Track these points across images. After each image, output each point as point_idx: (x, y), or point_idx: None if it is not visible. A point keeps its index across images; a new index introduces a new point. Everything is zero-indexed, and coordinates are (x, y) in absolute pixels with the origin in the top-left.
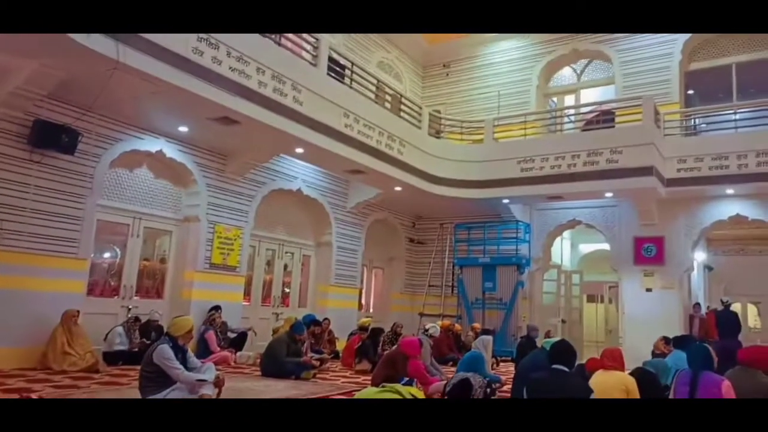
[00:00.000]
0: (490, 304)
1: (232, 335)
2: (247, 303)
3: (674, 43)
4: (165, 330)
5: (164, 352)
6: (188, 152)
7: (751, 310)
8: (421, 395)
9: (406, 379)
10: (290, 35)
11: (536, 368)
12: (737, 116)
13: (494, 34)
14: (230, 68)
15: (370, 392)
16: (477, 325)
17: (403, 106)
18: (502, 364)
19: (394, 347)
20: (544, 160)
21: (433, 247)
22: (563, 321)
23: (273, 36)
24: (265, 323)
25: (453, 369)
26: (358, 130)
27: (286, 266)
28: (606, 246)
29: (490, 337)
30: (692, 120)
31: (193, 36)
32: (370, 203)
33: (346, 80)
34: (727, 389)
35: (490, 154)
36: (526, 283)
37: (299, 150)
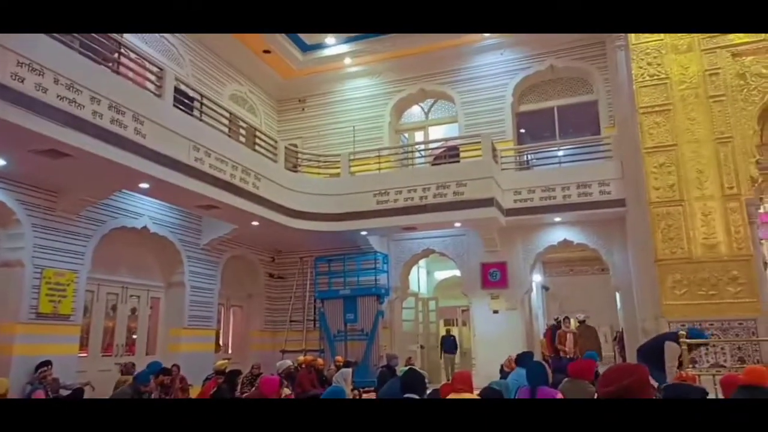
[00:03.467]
0: (352, 335)
1: (65, 392)
2: (85, 354)
3: (506, 86)
4: None
5: None
6: (8, 189)
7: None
8: None
9: None
10: (130, 63)
11: (392, 397)
12: (561, 152)
13: (348, 71)
14: (58, 96)
15: None
16: (340, 358)
17: (258, 140)
18: (365, 394)
19: (253, 389)
20: (398, 192)
21: (294, 282)
22: (422, 347)
23: (110, 64)
24: (107, 376)
25: None
26: (209, 164)
27: (134, 310)
28: (458, 272)
29: (349, 370)
30: (525, 156)
31: (12, 59)
32: (226, 239)
33: (196, 112)
34: None
35: (346, 188)
36: (386, 312)
37: (144, 185)
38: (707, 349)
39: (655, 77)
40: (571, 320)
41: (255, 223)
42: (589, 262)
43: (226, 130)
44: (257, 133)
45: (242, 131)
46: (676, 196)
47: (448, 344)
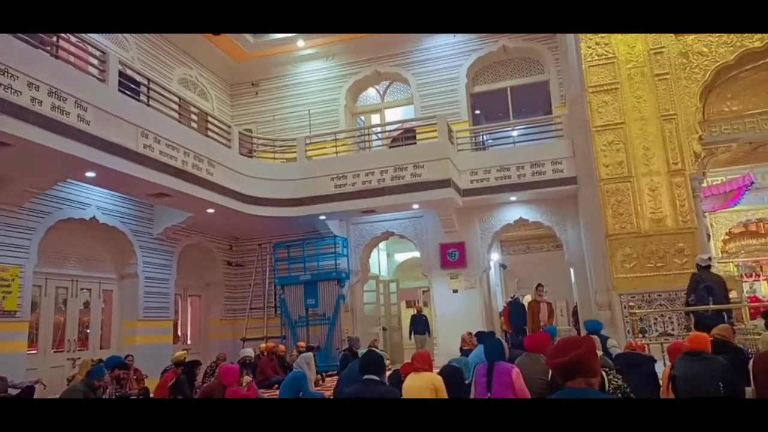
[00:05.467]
0: (314, 320)
1: (14, 392)
2: (34, 351)
3: (460, 68)
4: None
5: None
6: None
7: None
8: None
9: None
10: (70, 47)
11: (352, 380)
12: (515, 133)
13: (301, 53)
14: None
15: None
16: (302, 343)
17: (210, 125)
18: (328, 378)
19: (213, 378)
20: (355, 176)
21: (253, 269)
22: (384, 329)
23: (48, 48)
24: (59, 372)
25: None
26: (159, 151)
27: (86, 304)
28: (417, 254)
29: (310, 354)
30: (480, 136)
31: None
32: (181, 228)
33: (143, 97)
34: (516, 375)
35: (304, 172)
36: (347, 295)
37: (90, 174)
38: (656, 318)
39: (603, 57)
40: (529, 296)
41: (210, 210)
42: (544, 239)
43: (176, 115)
44: (209, 118)
45: (193, 116)
46: (625, 173)
47: (420, 324)
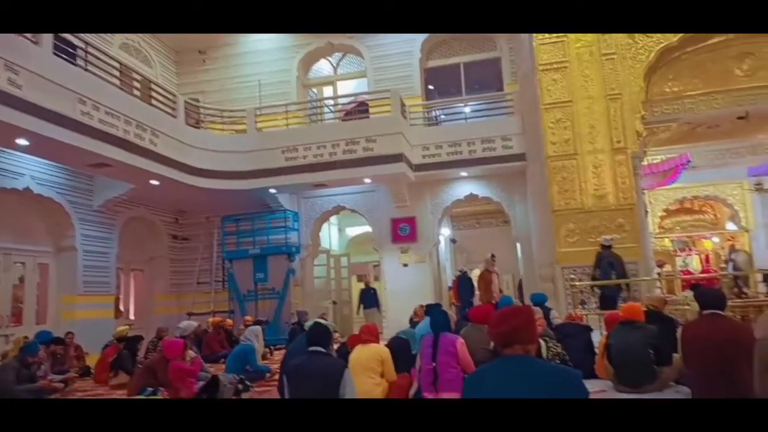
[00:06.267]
0: (263, 294)
1: None
2: None
3: (414, 42)
4: None
5: None
6: None
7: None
8: None
9: (150, 389)
10: None
11: (299, 352)
12: (467, 109)
13: None
14: None
15: None
16: (249, 317)
17: (154, 93)
18: (276, 352)
19: (156, 352)
20: (306, 149)
21: (200, 243)
22: (334, 302)
23: None
24: None
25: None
26: (98, 119)
27: (21, 278)
28: (369, 228)
29: (259, 327)
30: (433, 112)
31: None
32: (123, 200)
33: (80, 62)
34: (460, 345)
35: (253, 144)
36: (298, 270)
37: (23, 142)
38: (594, 291)
39: (554, 35)
40: (477, 270)
41: (154, 182)
42: (493, 215)
43: (117, 82)
44: (153, 86)
45: (136, 84)
46: (571, 150)
47: (368, 298)
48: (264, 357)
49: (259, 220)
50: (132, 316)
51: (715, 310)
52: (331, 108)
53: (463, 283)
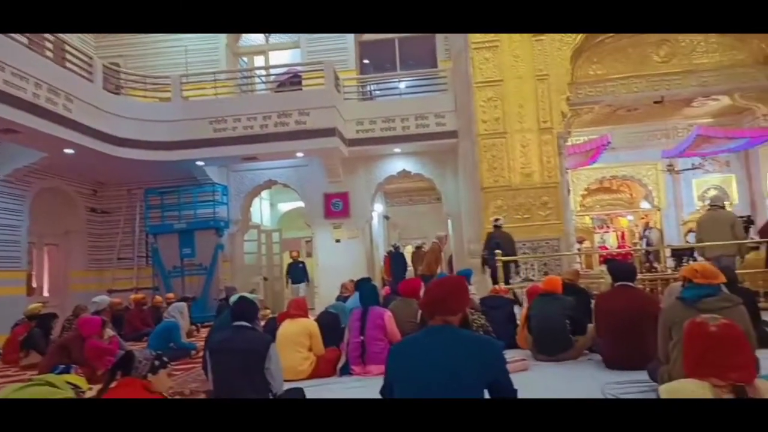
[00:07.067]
0: (189, 270)
1: None
2: None
3: None
4: None
5: None
6: None
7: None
8: (83, 383)
9: (62, 366)
10: None
11: (223, 328)
12: (402, 84)
13: None
14: None
15: (9, 390)
16: (170, 295)
17: (68, 55)
18: (204, 330)
19: (71, 330)
20: (236, 120)
21: (121, 216)
22: (265, 279)
23: None
24: None
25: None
26: (3, 80)
27: None
28: (301, 203)
29: (184, 304)
30: (367, 86)
31: None
32: (34, 169)
33: None
34: (388, 318)
35: (179, 114)
36: (227, 245)
37: None
38: (519, 265)
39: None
40: (410, 246)
41: (69, 150)
42: (426, 191)
43: (24, 41)
44: (67, 47)
45: (48, 44)
46: (501, 129)
47: (297, 273)
48: (190, 334)
49: (185, 193)
50: (46, 293)
51: (626, 282)
52: (263, 79)
53: (395, 259)
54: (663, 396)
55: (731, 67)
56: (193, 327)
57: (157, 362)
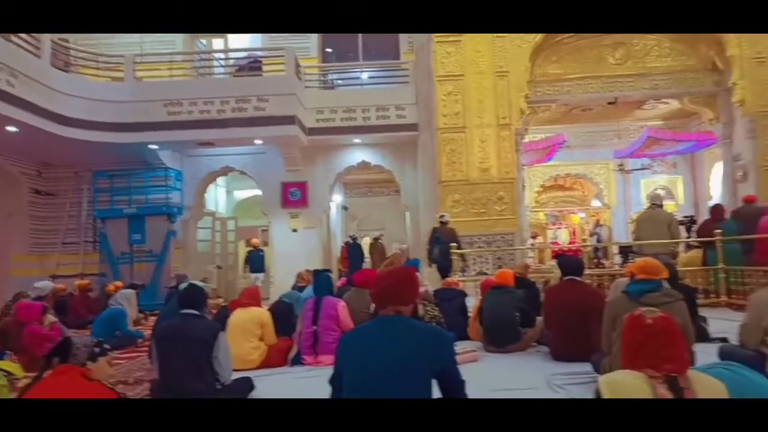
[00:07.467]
0: (139, 257)
1: None
2: None
3: None
4: None
5: None
6: None
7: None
8: (17, 370)
9: None
10: None
11: (171, 315)
12: (364, 75)
13: None
14: None
15: None
16: (112, 285)
17: None
18: (152, 318)
19: (9, 316)
20: (192, 104)
21: (67, 199)
22: (219, 267)
23: None
24: None
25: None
26: None
27: None
28: (259, 191)
29: (131, 291)
30: (329, 75)
31: None
32: None
33: None
34: (341, 308)
35: (132, 95)
36: (179, 232)
37: None
38: (475, 259)
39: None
40: (367, 238)
41: (12, 128)
42: (385, 183)
43: None
44: None
45: None
46: (460, 123)
47: (256, 261)
48: (138, 323)
49: (136, 177)
50: None
51: (574, 277)
52: (221, 62)
53: (352, 250)
54: (602, 386)
55: (681, 72)
56: (141, 315)
57: (96, 349)
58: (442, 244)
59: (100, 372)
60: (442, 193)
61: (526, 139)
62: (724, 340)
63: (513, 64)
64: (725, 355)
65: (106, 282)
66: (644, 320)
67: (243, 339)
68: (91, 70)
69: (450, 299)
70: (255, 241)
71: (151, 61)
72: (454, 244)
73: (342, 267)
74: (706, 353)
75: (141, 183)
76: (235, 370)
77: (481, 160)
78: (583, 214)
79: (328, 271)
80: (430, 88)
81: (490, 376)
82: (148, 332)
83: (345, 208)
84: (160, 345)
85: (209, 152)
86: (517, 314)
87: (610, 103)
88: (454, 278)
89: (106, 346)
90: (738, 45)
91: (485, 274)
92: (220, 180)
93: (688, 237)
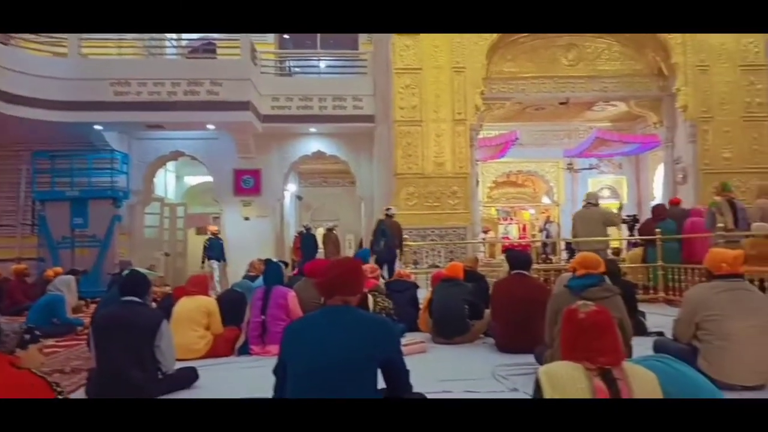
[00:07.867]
0: (81, 242)
1: None
2: None
3: None
4: None
5: None
6: None
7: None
8: None
9: None
10: None
11: (111, 302)
12: (322, 64)
13: None
14: None
15: None
16: (57, 269)
17: None
18: (93, 305)
19: None
20: (141, 84)
21: (4, 180)
22: (167, 254)
23: None
24: None
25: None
26: None
27: None
28: (210, 178)
29: (71, 277)
30: (286, 62)
31: None
32: None
33: None
34: (291, 298)
35: (76, 71)
36: (125, 217)
37: None
38: (427, 252)
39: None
40: (321, 228)
41: None
42: (341, 174)
43: None
44: None
45: None
46: (417, 117)
47: (215, 248)
48: (78, 310)
49: (79, 158)
50: None
51: (521, 271)
52: (173, 42)
53: (306, 240)
54: (541, 377)
55: (629, 76)
56: (82, 302)
57: (27, 336)
58: (388, 238)
59: (30, 360)
60: (397, 186)
61: (481, 135)
62: (660, 334)
63: (470, 61)
64: (659, 348)
65: (44, 267)
66: (577, 314)
67: (188, 328)
68: (33, 44)
69: (402, 291)
70: (213, 228)
71: (98, 38)
72: (407, 237)
73: (295, 257)
74: (642, 346)
75: (84, 165)
76: (179, 360)
77: (437, 154)
78: (533, 211)
79: (284, 262)
80: (387, 80)
81: (437, 367)
82: (88, 320)
83: (299, 197)
84: (99, 332)
85: (158, 135)
86: (465, 307)
87: (561, 104)
88: (406, 270)
89: (37, 333)
90: (683, 52)
91: (437, 266)
92: (170, 165)
93: (631, 235)
